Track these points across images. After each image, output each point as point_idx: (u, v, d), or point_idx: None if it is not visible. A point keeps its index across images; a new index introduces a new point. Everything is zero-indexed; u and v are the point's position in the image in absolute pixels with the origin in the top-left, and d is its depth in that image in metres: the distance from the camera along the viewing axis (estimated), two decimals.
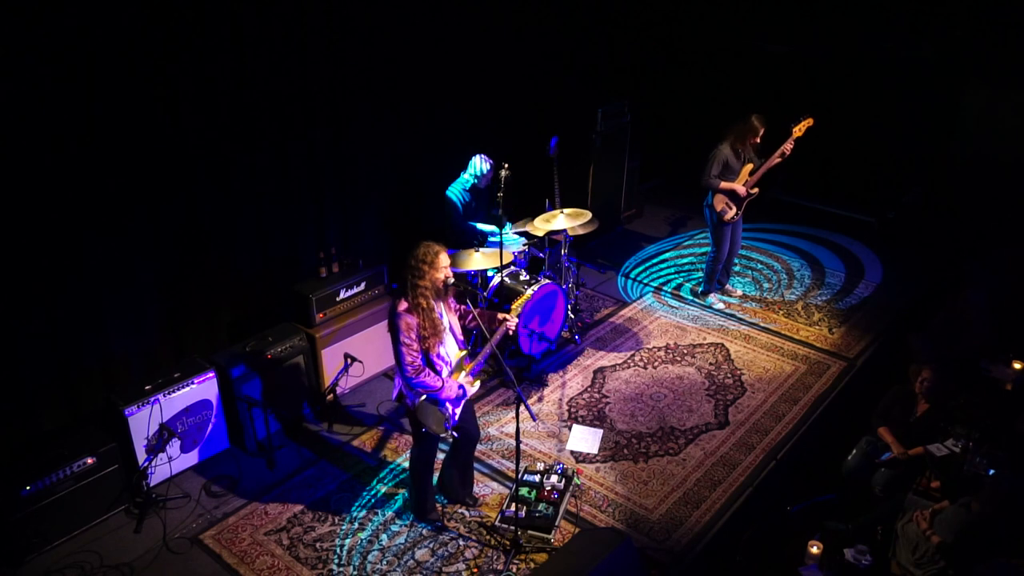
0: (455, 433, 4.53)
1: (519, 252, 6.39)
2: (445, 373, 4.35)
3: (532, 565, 4.51)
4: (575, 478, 5.11)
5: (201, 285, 5.53)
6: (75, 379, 5.00)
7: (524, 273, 6.31)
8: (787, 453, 5.45)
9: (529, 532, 4.65)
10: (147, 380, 5.03)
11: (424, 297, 4.14)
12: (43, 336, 4.76)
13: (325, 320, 5.76)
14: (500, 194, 5.79)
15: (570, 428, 5.66)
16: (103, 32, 4.56)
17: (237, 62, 5.30)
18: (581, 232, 6.57)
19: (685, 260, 8.16)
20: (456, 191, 6.26)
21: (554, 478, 4.99)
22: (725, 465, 5.33)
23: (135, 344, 5.25)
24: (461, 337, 4.49)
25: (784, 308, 7.29)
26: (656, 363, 6.42)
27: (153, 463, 4.90)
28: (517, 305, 4.69)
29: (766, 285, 7.69)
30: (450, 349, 4.38)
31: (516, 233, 6.48)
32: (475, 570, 4.48)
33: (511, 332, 4.56)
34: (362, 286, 5.98)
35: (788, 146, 6.47)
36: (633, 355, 6.52)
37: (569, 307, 6.60)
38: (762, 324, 7.00)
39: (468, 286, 6.01)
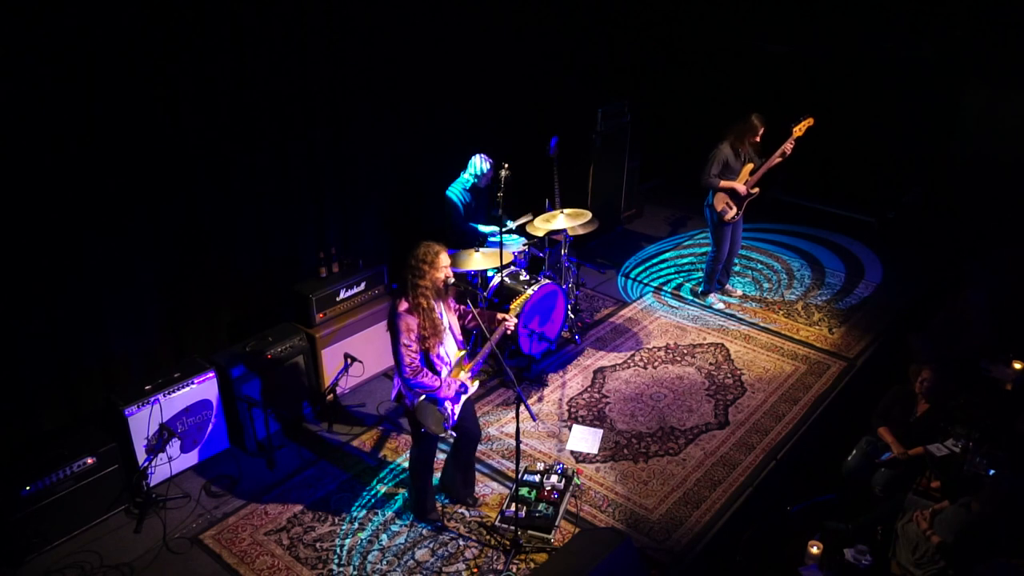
0: (454, 433, 4.52)
1: (519, 252, 6.39)
2: (444, 373, 4.35)
3: (532, 565, 4.51)
4: (575, 478, 5.11)
5: (201, 285, 5.54)
6: (75, 379, 5.00)
7: (524, 273, 6.31)
8: (787, 453, 5.44)
9: (529, 532, 4.65)
10: (147, 380, 5.03)
11: (424, 297, 4.14)
12: (43, 336, 4.76)
13: (325, 320, 5.76)
14: (500, 194, 5.79)
15: (570, 428, 5.66)
16: (103, 32, 4.56)
17: (237, 62, 5.30)
18: (581, 232, 6.57)
19: (685, 260, 8.16)
20: (456, 191, 6.26)
21: (554, 478, 4.99)
22: (725, 465, 5.33)
23: (135, 344, 5.25)
24: (460, 337, 4.49)
25: (784, 308, 7.29)
26: (656, 363, 6.42)
27: (153, 463, 4.90)
28: (516, 305, 4.69)
29: (766, 285, 7.69)
30: (449, 349, 4.38)
31: (518, 225, 6.47)
32: (475, 570, 4.48)
33: (510, 332, 4.56)
34: (362, 286, 5.98)
35: (788, 146, 6.48)
36: (633, 355, 6.52)
37: (569, 307, 6.60)
38: (762, 324, 7.00)
39: (468, 286, 6.01)
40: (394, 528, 4.79)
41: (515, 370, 6.21)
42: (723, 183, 6.62)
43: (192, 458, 5.26)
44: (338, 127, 6.13)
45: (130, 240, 5.05)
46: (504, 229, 5.92)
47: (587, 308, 7.23)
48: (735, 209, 6.75)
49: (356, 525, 4.81)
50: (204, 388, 5.18)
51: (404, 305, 4.16)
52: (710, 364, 6.41)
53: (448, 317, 4.37)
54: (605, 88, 8.43)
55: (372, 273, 6.03)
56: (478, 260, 5.76)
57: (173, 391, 5.02)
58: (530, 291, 5.89)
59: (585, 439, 5.53)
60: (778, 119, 6.59)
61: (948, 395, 5.18)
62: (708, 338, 6.77)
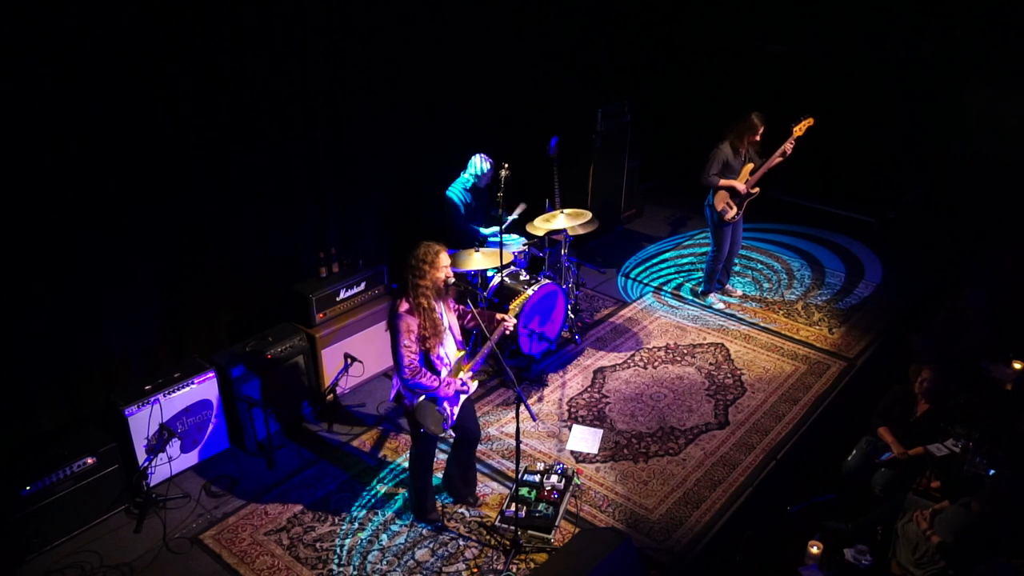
0: (453, 433, 4.52)
1: (519, 252, 6.39)
2: (444, 373, 4.35)
3: (532, 565, 4.51)
4: (575, 478, 5.11)
5: (201, 285, 5.53)
6: (75, 379, 5.00)
7: (524, 273, 6.31)
8: (787, 453, 5.44)
9: (529, 532, 4.65)
10: (147, 380, 5.03)
11: (425, 297, 4.14)
12: (43, 336, 4.76)
13: (325, 320, 5.76)
14: (500, 194, 5.79)
15: (570, 428, 5.66)
16: (103, 32, 4.56)
17: (237, 62, 5.30)
18: (581, 232, 6.57)
19: (685, 260, 8.16)
20: (456, 191, 6.26)
21: (554, 478, 4.99)
22: (725, 465, 5.33)
23: (135, 344, 5.25)
24: (460, 337, 4.49)
25: (784, 308, 7.29)
26: (656, 363, 6.42)
27: (153, 463, 4.90)
28: (516, 305, 4.70)
29: (766, 285, 7.69)
30: (449, 350, 4.38)
31: (515, 218, 6.46)
32: (475, 570, 4.48)
33: (509, 332, 4.57)
34: (362, 286, 5.98)
35: (789, 146, 6.48)
36: (633, 355, 6.52)
37: (569, 307, 6.60)
38: (762, 324, 7.00)
39: (468, 286, 6.01)
40: (394, 528, 4.79)
41: (515, 370, 6.21)
42: (722, 181, 6.62)
43: (192, 458, 5.26)
44: (338, 127, 6.13)
45: (130, 240, 5.05)
46: (504, 226, 5.90)
47: (587, 308, 7.23)
48: (735, 209, 6.75)
49: (356, 525, 4.81)
50: (204, 388, 5.18)
51: (405, 306, 4.16)
52: (710, 364, 6.41)
53: (448, 317, 4.37)
54: (605, 88, 8.43)
55: (372, 273, 6.03)
56: (478, 260, 5.76)
57: (173, 391, 5.02)
58: (530, 291, 5.89)
59: (585, 439, 5.53)
60: (778, 119, 6.59)
61: (948, 395, 5.18)
62: (708, 338, 6.77)
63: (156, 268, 5.25)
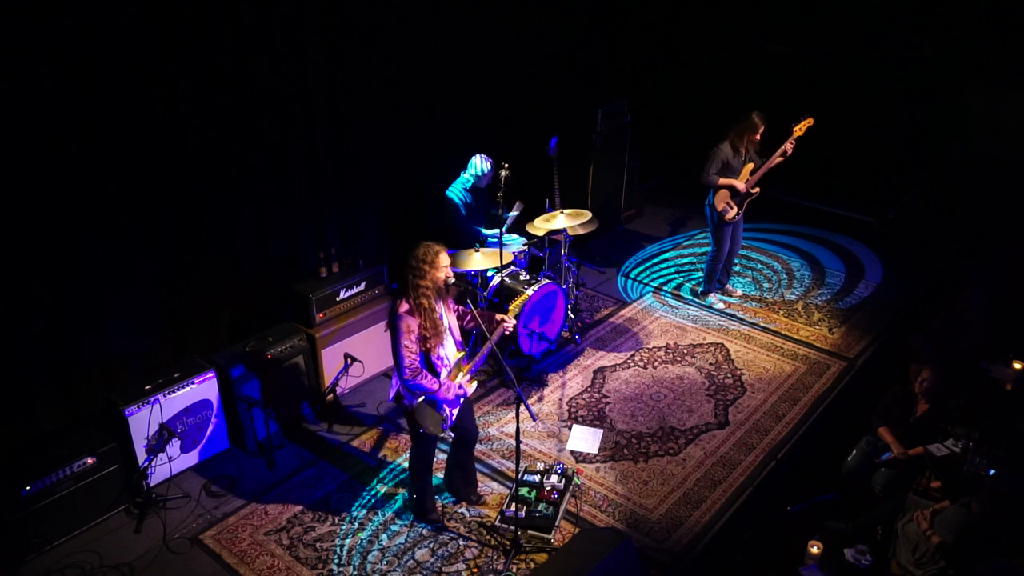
0: (452, 434, 4.52)
1: (519, 252, 6.39)
2: (444, 374, 4.35)
3: (532, 565, 4.51)
4: (575, 478, 5.11)
5: (201, 285, 5.53)
6: (75, 379, 5.00)
7: (524, 273, 6.31)
8: (787, 453, 5.44)
9: (529, 532, 4.65)
10: (147, 380, 5.03)
11: (426, 297, 4.14)
12: (43, 336, 4.76)
13: (325, 320, 5.76)
14: (500, 194, 5.79)
15: (570, 428, 5.66)
16: (103, 32, 4.56)
17: (237, 62, 5.30)
18: (581, 232, 6.57)
19: (685, 260, 8.16)
20: (457, 191, 6.26)
21: (554, 478, 4.99)
22: (725, 465, 5.33)
23: (135, 344, 5.25)
24: (459, 338, 4.49)
25: (784, 308, 7.29)
26: (656, 363, 6.42)
27: (153, 463, 4.90)
28: (515, 305, 4.70)
29: (766, 285, 7.69)
30: (449, 350, 4.38)
31: (515, 216, 6.46)
32: (475, 570, 4.48)
33: (509, 332, 4.57)
34: (362, 286, 5.98)
35: (789, 145, 6.48)
36: (633, 355, 6.52)
37: (569, 307, 6.60)
38: (762, 324, 7.00)
39: (468, 286, 6.01)
40: (394, 528, 4.79)
41: (515, 370, 6.21)
42: (722, 180, 6.62)
43: (192, 458, 5.26)
44: (338, 127, 6.13)
45: (130, 240, 5.05)
46: (507, 225, 5.90)
47: (587, 308, 7.23)
48: (736, 209, 6.75)
49: (356, 525, 4.81)
50: (204, 388, 5.18)
51: (405, 306, 4.16)
52: (710, 364, 6.41)
53: (448, 318, 4.37)
54: (605, 88, 8.43)
55: (372, 273, 6.03)
56: (478, 260, 5.76)
57: (173, 391, 5.02)
58: (530, 291, 5.89)
59: (585, 439, 5.53)
60: (778, 119, 6.59)
61: (948, 395, 5.18)
62: (708, 338, 6.77)
63: (156, 268, 5.25)
